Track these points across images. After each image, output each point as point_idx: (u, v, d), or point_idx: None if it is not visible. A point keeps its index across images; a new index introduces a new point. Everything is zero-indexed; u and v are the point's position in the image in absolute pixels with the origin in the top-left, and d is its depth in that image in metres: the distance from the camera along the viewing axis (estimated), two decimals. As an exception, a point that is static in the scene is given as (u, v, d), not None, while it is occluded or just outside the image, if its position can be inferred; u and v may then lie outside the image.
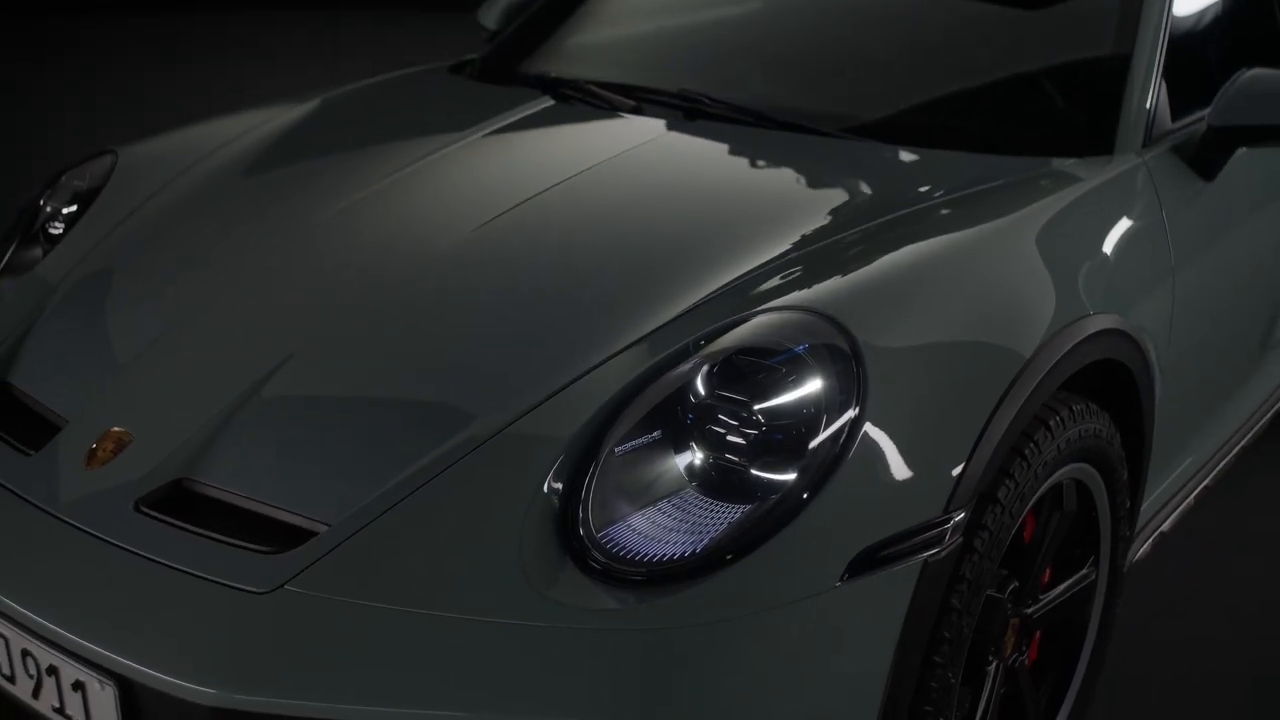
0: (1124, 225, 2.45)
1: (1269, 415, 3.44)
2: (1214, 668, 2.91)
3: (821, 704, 1.79)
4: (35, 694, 1.87)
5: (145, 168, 2.77)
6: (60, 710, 1.84)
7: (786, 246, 2.15)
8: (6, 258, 2.67)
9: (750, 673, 1.71)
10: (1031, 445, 2.03)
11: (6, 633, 1.86)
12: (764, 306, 1.92)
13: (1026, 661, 2.30)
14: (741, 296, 2.01)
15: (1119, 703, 2.70)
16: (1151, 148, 2.63)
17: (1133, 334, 2.30)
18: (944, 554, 1.84)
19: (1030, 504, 2.07)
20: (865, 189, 2.43)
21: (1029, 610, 2.24)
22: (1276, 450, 3.71)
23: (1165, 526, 2.93)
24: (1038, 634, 2.33)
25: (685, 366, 1.85)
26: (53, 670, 1.82)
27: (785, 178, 2.52)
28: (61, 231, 2.65)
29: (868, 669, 1.81)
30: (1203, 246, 2.71)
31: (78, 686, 1.79)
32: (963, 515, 1.87)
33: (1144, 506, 2.68)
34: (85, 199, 2.70)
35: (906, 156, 2.55)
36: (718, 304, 2.01)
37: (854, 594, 1.76)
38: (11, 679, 1.90)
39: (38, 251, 2.67)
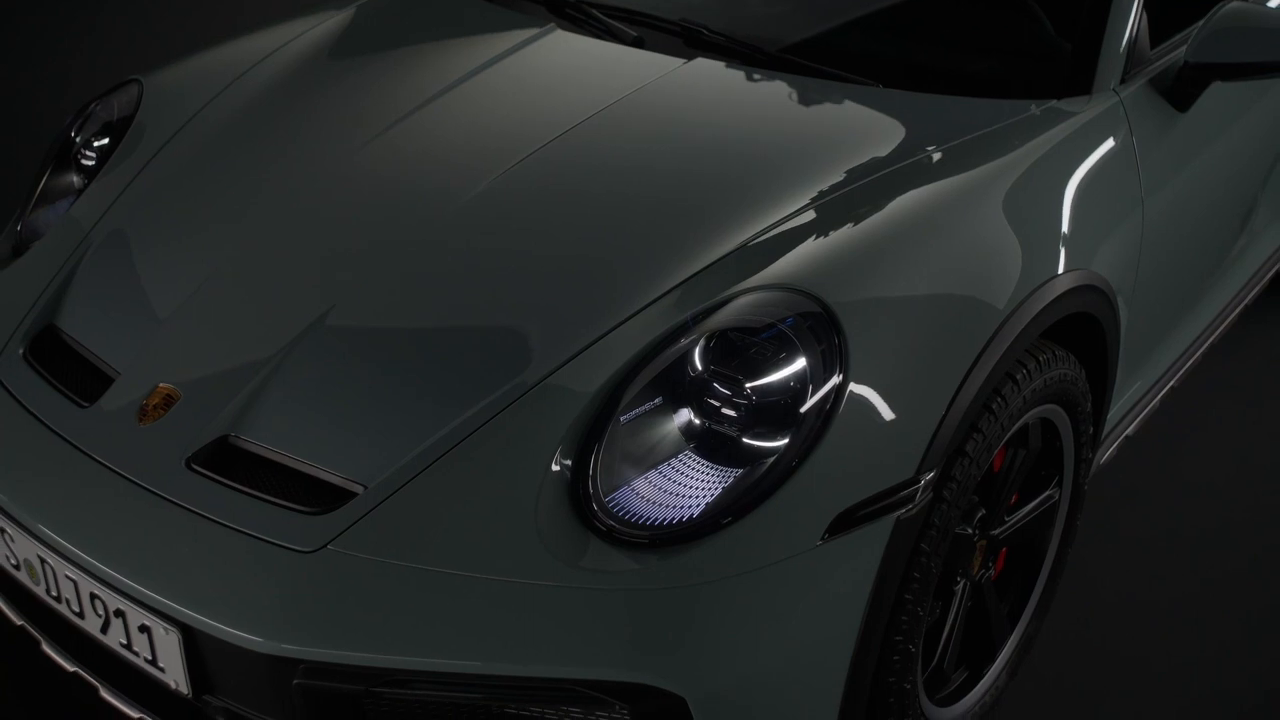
0: (1098, 169, 2.57)
1: (1237, 311, 3.61)
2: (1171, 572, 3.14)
3: (803, 646, 2.00)
4: (104, 630, 2.09)
5: (172, 96, 2.88)
6: (128, 647, 2.06)
7: (777, 215, 2.28)
8: (40, 187, 2.80)
9: (742, 625, 1.92)
10: (999, 400, 2.21)
11: (75, 576, 2.07)
12: (750, 285, 2.08)
13: (992, 575, 2.52)
14: (736, 268, 2.16)
15: (1078, 611, 2.93)
16: (1128, 83, 2.74)
17: (1102, 287, 2.46)
18: (915, 511, 2.04)
19: (998, 449, 2.27)
20: (854, 141, 2.53)
21: (995, 532, 2.46)
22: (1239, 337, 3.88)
23: (1130, 430, 3.13)
24: (1003, 550, 2.56)
25: (684, 341, 2.03)
26: (120, 613, 2.03)
27: (781, 129, 2.61)
28: (94, 163, 2.78)
29: (844, 614, 2.03)
30: (1174, 173, 2.84)
31: (144, 629, 2.01)
32: (933, 474, 2.07)
33: (1109, 415, 2.87)
34: (116, 130, 2.82)
35: (891, 102, 2.65)
36: (714, 274, 2.16)
37: (832, 551, 1.96)
38: (81, 615, 2.11)
39: (71, 178, 2.80)
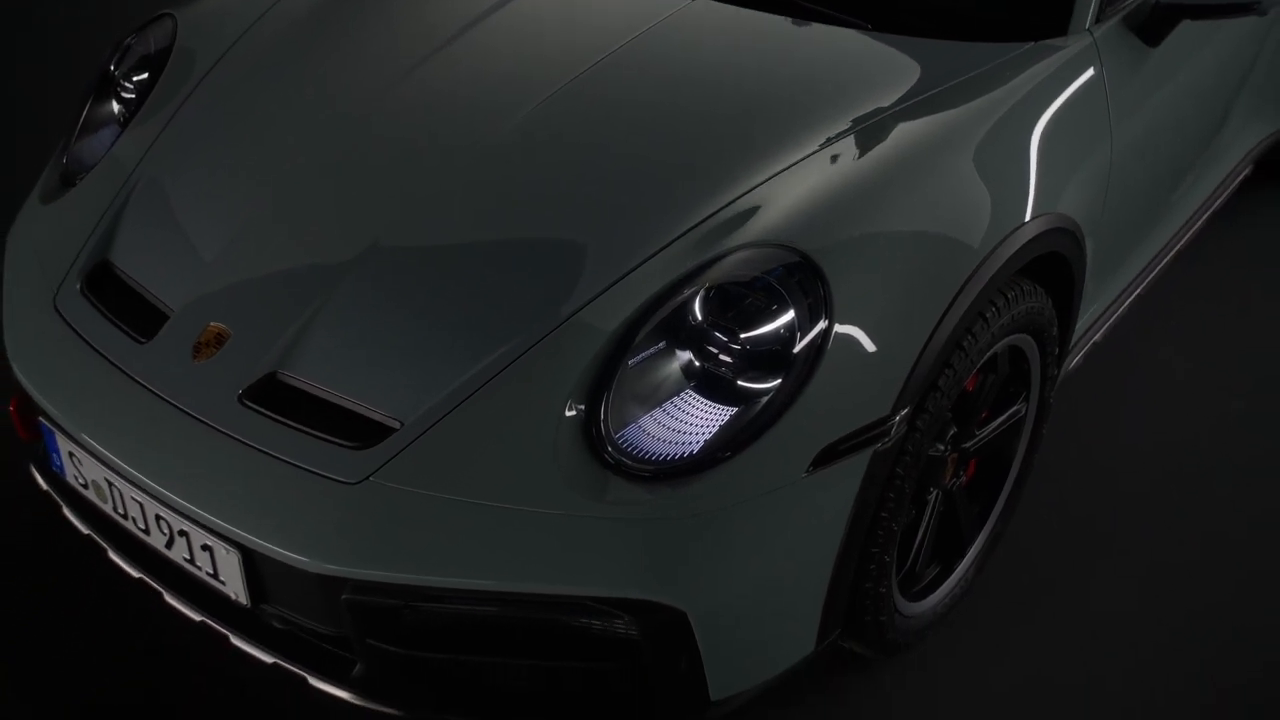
0: (1071, 110, 2.75)
1: (1205, 218, 3.81)
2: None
3: (790, 564, 2.27)
4: (168, 546, 2.34)
5: (207, 27, 3.04)
6: (190, 561, 2.32)
7: (775, 165, 2.46)
8: (82, 118, 2.98)
9: (736, 548, 2.17)
10: (970, 337, 2.44)
11: (140, 499, 2.31)
12: (742, 241, 2.29)
13: (962, 483, 2.78)
14: (735, 221, 2.35)
15: (1041, 510, 3.20)
16: (1103, 22, 2.91)
17: (1069, 227, 2.67)
18: (890, 443, 2.29)
19: (968, 379, 2.50)
20: (846, 87, 2.71)
21: (966, 446, 2.70)
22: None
23: (1098, 337, 3.35)
24: (973, 460, 2.81)
25: (686, 292, 2.25)
26: (183, 533, 2.28)
27: (779, 73, 2.78)
28: (134, 96, 2.96)
29: (827, 535, 2.28)
30: (1143, 105, 3.03)
31: (206, 548, 2.26)
32: (908, 410, 2.31)
33: (1077, 326, 3.09)
34: (153, 63, 2.99)
35: (878, 46, 2.83)
36: (718, 223, 2.36)
37: (816, 482, 2.21)
38: (146, 532, 2.37)
39: (112, 107, 2.98)
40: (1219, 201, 3.87)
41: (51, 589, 2.87)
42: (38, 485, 2.67)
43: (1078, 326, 3.09)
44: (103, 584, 2.82)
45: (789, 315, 2.21)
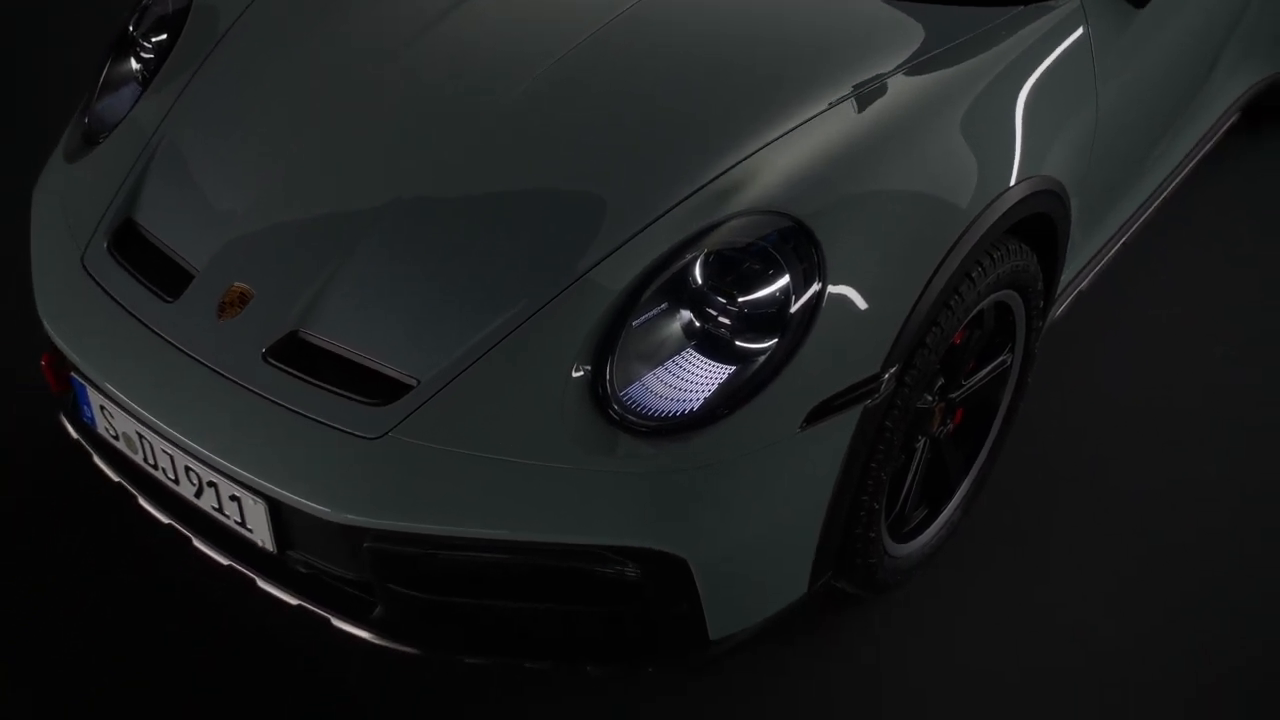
0: (1058, 73, 2.84)
1: (1191, 166, 3.90)
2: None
3: (784, 513, 2.41)
4: (197, 496, 2.47)
5: None
6: (219, 510, 2.46)
7: (771, 135, 2.55)
8: (103, 77, 3.07)
9: (732, 499, 2.31)
10: (956, 297, 2.55)
11: (170, 451, 2.44)
12: (740, 209, 2.40)
13: (949, 431, 2.91)
14: (732, 188, 2.46)
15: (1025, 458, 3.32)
16: (1090, -13, 3.00)
17: (1057, 190, 2.77)
18: (880, 399, 2.42)
19: (954, 335, 2.62)
20: (841, 55, 2.79)
21: (953, 396, 2.83)
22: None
23: (1084, 285, 3.46)
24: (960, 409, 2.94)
25: (687, 256, 2.36)
26: (212, 484, 2.41)
27: (783, 37, 2.86)
28: (152, 56, 3.05)
29: (819, 486, 2.42)
30: (1129, 63, 3.12)
31: (234, 499, 2.40)
32: (897, 367, 2.43)
33: (1062, 277, 3.20)
34: (172, 24, 3.07)
35: (878, 11, 2.91)
36: (714, 191, 2.46)
37: (809, 437, 2.34)
38: (176, 482, 2.50)
39: (132, 64, 3.06)
40: (1205, 149, 3.95)
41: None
42: (68, 435, 2.80)
43: (1064, 276, 3.19)
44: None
45: (784, 279, 2.33)
